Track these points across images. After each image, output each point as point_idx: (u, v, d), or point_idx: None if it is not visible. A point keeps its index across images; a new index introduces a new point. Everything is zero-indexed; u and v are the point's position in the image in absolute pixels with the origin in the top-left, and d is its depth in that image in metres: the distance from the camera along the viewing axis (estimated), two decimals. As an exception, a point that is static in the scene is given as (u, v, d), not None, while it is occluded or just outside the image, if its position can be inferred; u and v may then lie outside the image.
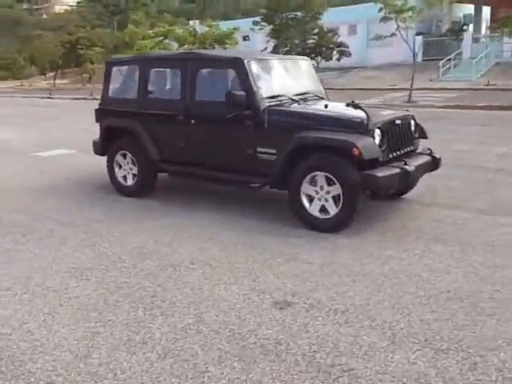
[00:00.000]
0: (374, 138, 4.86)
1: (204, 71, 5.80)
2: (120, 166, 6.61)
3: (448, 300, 3.59)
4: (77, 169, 8.37)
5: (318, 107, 5.49)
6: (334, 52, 24.69)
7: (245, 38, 35.00)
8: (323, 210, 5.03)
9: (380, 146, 4.94)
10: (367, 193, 5.04)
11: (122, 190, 6.63)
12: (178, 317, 3.45)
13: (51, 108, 22.60)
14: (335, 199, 4.93)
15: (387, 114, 5.27)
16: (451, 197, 6.17)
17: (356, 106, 5.32)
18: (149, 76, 6.25)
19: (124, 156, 6.53)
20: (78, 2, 78.91)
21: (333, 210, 4.96)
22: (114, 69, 6.68)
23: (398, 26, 16.48)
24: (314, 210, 5.07)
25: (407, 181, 4.94)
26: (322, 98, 6.07)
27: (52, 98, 28.25)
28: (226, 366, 2.87)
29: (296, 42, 23.70)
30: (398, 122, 5.26)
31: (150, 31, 23.04)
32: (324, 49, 24.85)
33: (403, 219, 5.40)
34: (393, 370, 2.80)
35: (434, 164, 5.51)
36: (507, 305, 3.50)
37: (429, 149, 5.68)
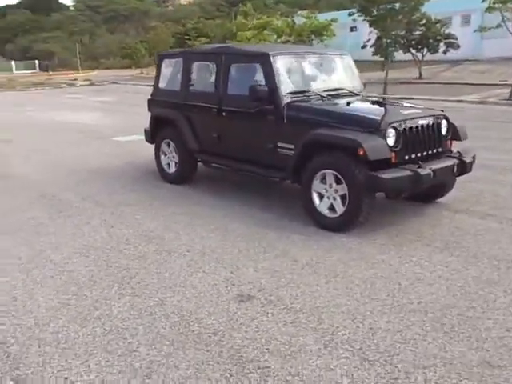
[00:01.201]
0: (385, 137, 4.68)
1: (235, 65, 5.94)
2: (165, 154, 6.99)
3: (411, 312, 3.43)
4: (142, 154, 8.92)
5: (339, 104, 5.39)
6: (441, 44, 23.36)
7: (352, 29, 34.38)
8: (332, 208, 4.97)
9: (394, 146, 4.75)
10: (376, 194, 4.89)
11: (165, 177, 7.02)
12: (143, 298, 3.69)
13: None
14: (343, 198, 4.86)
15: (410, 114, 5.02)
16: (489, 204, 5.73)
17: (381, 104, 5.15)
18: (190, 69, 6.53)
19: (168, 145, 6.89)
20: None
21: (340, 209, 4.89)
22: (164, 62, 7.06)
23: (503, 17, 15.19)
24: (323, 207, 5.02)
25: (419, 184, 4.69)
26: (357, 94, 5.91)
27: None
28: (154, 349, 3.05)
29: (401, 33, 22.80)
30: (421, 122, 5.01)
31: (250, 22, 23.50)
32: (431, 40, 23.65)
33: (422, 225, 5.14)
34: (307, 373, 2.79)
35: (462, 168, 5.15)
36: (473, 323, 3.27)
37: (458, 151, 5.31)
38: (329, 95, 5.64)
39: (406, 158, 4.86)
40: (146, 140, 7.37)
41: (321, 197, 5.05)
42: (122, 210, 5.78)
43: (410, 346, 3.04)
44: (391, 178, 4.59)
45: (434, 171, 4.81)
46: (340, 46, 36.45)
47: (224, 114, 6.01)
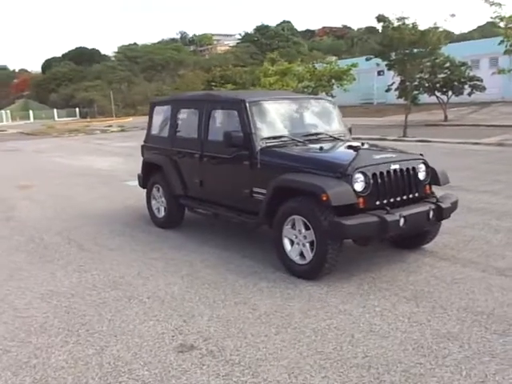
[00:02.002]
0: (352, 182, 4.59)
1: (215, 112, 6.02)
2: (155, 199, 7.05)
3: (353, 367, 3.26)
4: (143, 198, 9.01)
5: (311, 149, 5.34)
6: (466, 86, 23.14)
7: (379, 73, 34.59)
8: (302, 255, 4.86)
9: (362, 191, 4.64)
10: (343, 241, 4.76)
11: (155, 221, 7.07)
12: (84, 346, 3.65)
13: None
14: (311, 245, 4.74)
15: (382, 158, 4.92)
16: (477, 251, 5.48)
17: (356, 148, 5.08)
18: (177, 116, 6.66)
19: (158, 189, 6.96)
20: (238, 43, 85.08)
21: (309, 255, 4.78)
22: (155, 109, 7.23)
23: (522, 59, 14.95)
24: (293, 254, 4.92)
25: (386, 230, 4.54)
26: (337, 139, 5.86)
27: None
28: (74, 400, 2.97)
29: (425, 76, 22.76)
30: (394, 166, 4.90)
31: (271, 68, 23.96)
32: (455, 83, 23.47)
33: (399, 272, 4.95)
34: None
35: (438, 213, 4.96)
36: (415, 381, 3.07)
37: (434, 197, 5.14)
38: (306, 140, 5.63)
39: (377, 203, 4.73)
40: (139, 185, 7.47)
41: (292, 243, 4.95)
42: (102, 255, 5.81)
43: (337, 403, 2.86)
44: (355, 225, 4.47)
45: (405, 217, 4.65)
46: (367, 89, 36.79)
47: (205, 159, 6.06)
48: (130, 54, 72.80)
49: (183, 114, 6.61)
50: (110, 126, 37.61)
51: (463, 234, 6.11)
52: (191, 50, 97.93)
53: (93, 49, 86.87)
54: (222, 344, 3.61)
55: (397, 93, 23.20)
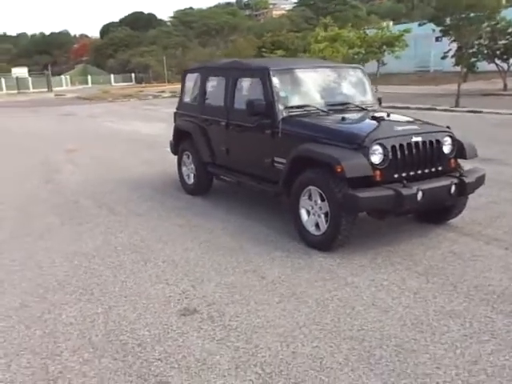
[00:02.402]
0: (369, 154, 4.50)
1: (240, 80, 6.00)
2: (186, 166, 7.18)
3: (346, 339, 3.28)
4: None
5: (333, 119, 5.25)
6: (529, 53, 21.77)
7: (438, 39, 33.02)
8: (317, 225, 4.86)
9: (379, 163, 4.55)
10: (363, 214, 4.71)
11: (185, 188, 7.21)
12: (95, 305, 3.85)
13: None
14: (326, 216, 4.73)
15: (404, 130, 4.78)
16: (504, 228, 5.28)
17: (379, 119, 4.96)
18: (205, 84, 6.69)
19: (188, 156, 7.07)
20: (294, 7, 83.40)
21: (323, 226, 4.77)
22: (187, 76, 7.28)
23: None
24: (309, 224, 4.92)
25: (401, 204, 4.44)
26: (364, 109, 5.72)
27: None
28: (76, 354, 3.17)
29: (484, 42, 21.61)
30: (416, 139, 4.75)
31: (321, 34, 23.35)
32: (518, 49, 22.12)
33: (417, 247, 4.86)
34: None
35: (461, 188, 4.80)
36: (406, 357, 3.06)
37: (459, 171, 4.96)
38: (331, 110, 5.53)
39: (396, 176, 4.63)
40: (171, 151, 7.60)
41: (308, 213, 4.95)
42: (129, 219, 6.02)
43: (323, 374, 2.91)
44: (369, 197, 4.41)
45: (424, 191, 4.54)
46: (424, 56, 35.31)
47: (231, 127, 6.09)
48: (185, 19, 73.03)
49: (211, 82, 6.62)
50: (163, 91, 38.07)
51: (494, 210, 5.90)
52: (246, 14, 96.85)
53: (149, 13, 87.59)
54: (223, 310, 3.71)
55: (454, 60, 22.20)
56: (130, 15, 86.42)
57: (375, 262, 4.52)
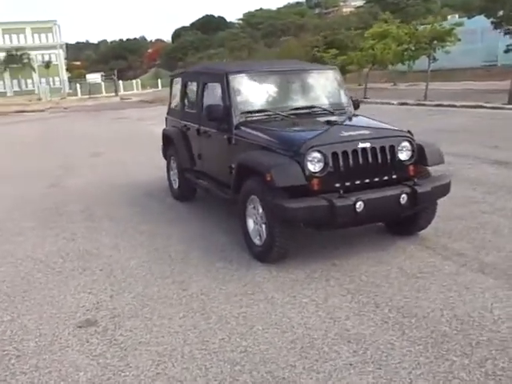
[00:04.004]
0: (304, 162, 4.24)
1: (207, 85, 5.88)
2: (172, 170, 7.17)
3: (220, 361, 3.09)
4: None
5: (285, 125, 5.01)
6: None
7: (507, 32, 30.99)
8: (260, 236, 4.66)
9: (317, 171, 4.28)
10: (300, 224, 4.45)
11: (172, 192, 7.21)
12: (6, 312, 3.88)
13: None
14: (266, 226, 4.53)
15: (351, 136, 4.45)
16: (476, 241, 4.81)
17: (332, 124, 4.70)
18: (185, 89, 6.64)
19: (174, 161, 7.06)
20: (364, 4, 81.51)
21: (263, 237, 4.57)
22: (174, 82, 7.26)
23: None
24: (253, 234, 4.74)
25: (335, 216, 4.13)
26: (331, 113, 5.42)
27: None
28: (-47, 364, 3.21)
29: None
30: (363, 144, 4.42)
31: (369, 31, 22.58)
32: None
33: (365, 261, 4.52)
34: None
35: (413, 199, 4.39)
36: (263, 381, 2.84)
37: (413, 180, 4.53)
38: (294, 114, 5.29)
39: (337, 185, 4.33)
40: (163, 155, 7.61)
41: (254, 223, 4.76)
42: (101, 225, 6.09)
43: (170, 399, 2.75)
44: (299, 208, 4.15)
45: (366, 202, 4.21)
46: (492, 50, 33.24)
47: (201, 133, 6.00)
48: (252, 21, 73.59)
49: (189, 87, 6.56)
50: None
51: (476, 220, 5.40)
52: (316, 12, 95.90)
53: (219, 17, 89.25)
54: (123, 323, 3.63)
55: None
56: (200, 19, 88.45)
57: (311, 277, 4.26)
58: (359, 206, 4.17)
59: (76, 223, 6.23)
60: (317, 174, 4.28)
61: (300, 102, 5.56)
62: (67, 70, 73.27)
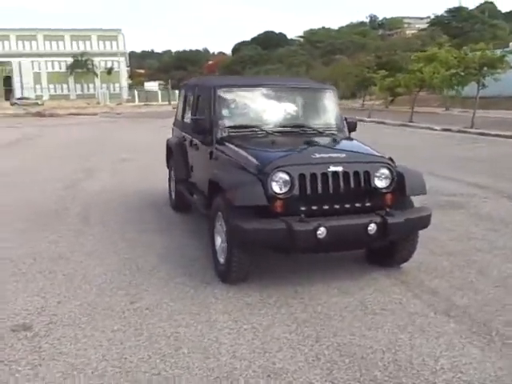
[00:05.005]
0: (269, 182, 4.08)
1: (200, 97, 5.82)
2: (172, 181, 7.15)
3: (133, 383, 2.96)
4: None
5: (262, 143, 4.85)
6: None
7: None
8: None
9: (282, 193, 4.10)
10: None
11: (170, 202, 7.20)
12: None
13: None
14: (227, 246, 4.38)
15: (323, 158, 4.24)
16: (456, 280, 4.46)
17: (309, 144, 4.53)
18: (185, 101, 6.63)
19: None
20: (428, 27, 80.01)
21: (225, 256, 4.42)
22: (181, 92, 7.27)
23: None
24: (219, 251, 4.60)
25: (294, 241, 3.93)
26: (320, 133, 5.23)
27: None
28: None
29: None
30: (335, 168, 4.21)
31: (415, 54, 21.95)
32: None
33: (330, 291, 4.27)
34: None
35: (383, 229, 4.12)
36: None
37: (386, 210, 4.24)
38: (279, 132, 5.14)
39: (303, 209, 4.13)
40: (166, 165, 7.61)
41: (221, 241, 4.63)
42: (88, 230, 6.13)
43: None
44: (255, 230, 3.98)
45: (329, 229, 3.99)
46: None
47: (192, 145, 5.95)
48: (312, 39, 73.73)
49: (188, 99, 6.54)
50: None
51: (467, 257, 5.04)
52: (379, 34, 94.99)
53: (280, 33, 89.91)
54: (55, 331, 3.57)
55: None
56: (261, 34, 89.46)
57: (265, 302, 4.07)
58: (321, 232, 3.96)
59: (68, 226, 6.30)
60: (281, 196, 4.11)
61: (289, 119, 5.41)
62: (129, 77, 75.96)
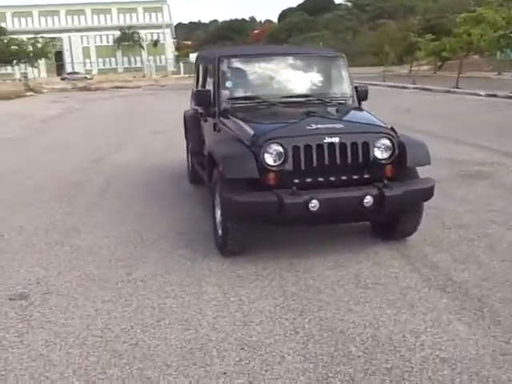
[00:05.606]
0: (261, 154, 4.03)
1: (207, 68, 5.76)
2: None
3: (111, 352, 3.05)
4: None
5: (263, 114, 4.76)
6: None
7: None
8: (223, 226, 4.53)
9: (274, 165, 4.04)
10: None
11: (188, 174, 7.24)
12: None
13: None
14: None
15: (318, 128, 4.12)
16: (462, 254, 4.31)
17: (309, 114, 4.43)
18: (198, 73, 6.57)
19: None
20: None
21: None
22: (196, 64, 7.21)
23: None
24: (218, 224, 4.60)
25: (284, 213, 3.87)
26: (327, 103, 5.09)
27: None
28: None
29: None
30: (331, 139, 4.09)
31: (461, 16, 20.75)
32: None
33: (326, 263, 4.22)
34: None
35: (380, 201, 3.98)
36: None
37: (384, 182, 4.09)
38: (284, 103, 5.03)
39: (296, 181, 4.06)
40: (184, 137, 7.62)
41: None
42: (104, 202, 6.31)
43: (30, 382, 2.77)
44: (247, 202, 3.95)
45: (322, 201, 3.91)
46: None
47: (202, 117, 5.94)
48: (360, 2, 71.23)
49: (200, 71, 6.49)
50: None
51: (477, 231, 4.84)
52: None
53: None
54: (50, 301, 3.68)
55: None
56: (308, 0, 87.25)
57: (258, 274, 4.07)
58: (314, 204, 3.89)
59: (85, 198, 6.47)
60: (274, 168, 4.05)
61: (296, 89, 5.28)
62: (176, 49, 76.24)
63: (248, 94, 5.13)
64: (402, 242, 4.63)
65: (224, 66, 5.15)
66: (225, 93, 5.07)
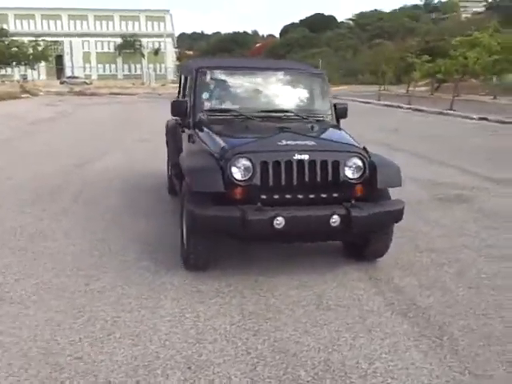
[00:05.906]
0: (228, 168, 3.96)
1: (187, 79, 5.72)
2: (171, 162, 7.12)
3: (51, 366, 2.94)
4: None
5: (237, 128, 4.70)
6: None
7: None
8: (190, 240, 4.44)
9: (241, 180, 3.97)
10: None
11: (168, 185, 7.16)
12: None
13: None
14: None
15: (288, 145, 4.06)
16: (429, 280, 4.22)
17: (282, 130, 4.37)
18: (180, 83, 6.53)
19: (172, 154, 6.99)
20: (485, 10, 76.49)
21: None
22: (179, 73, 7.18)
23: None
24: (184, 237, 4.52)
25: (246, 229, 3.79)
26: (305, 119, 5.03)
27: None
28: None
29: None
30: (300, 156, 4.03)
31: (457, 39, 20.92)
32: None
33: (288, 283, 4.13)
34: None
35: (346, 221, 3.91)
36: None
37: (352, 202, 4.03)
38: (260, 117, 4.97)
39: (264, 197, 3.98)
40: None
41: (191, 226, 4.54)
42: (78, 208, 6.21)
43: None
44: (209, 216, 3.87)
45: (288, 219, 3.84)
46: None
47: (180, 128, 5.87)
48: (361, 22, 71.87)
49: (182, 81, 6.44)
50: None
51: (448, 256, 4.75)
52: (432, 17, 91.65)
53: (329, 16, 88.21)
54: (1, 310, 3.59)
55: None
56: (310, 17, 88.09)
57: (219, 291, 3.97)
58: (279, 222, 3.81)
59: (60, 203, 6.38)
60: (241, 183, 3.97)
61: (273, 104, 5.22)
62: (178, 58, 76.49)
63: (225, 107, 5.08)
64: (373, 264, 4.55)
65: (202, 77, 5.10)
66: (201, 104, 5.02)
